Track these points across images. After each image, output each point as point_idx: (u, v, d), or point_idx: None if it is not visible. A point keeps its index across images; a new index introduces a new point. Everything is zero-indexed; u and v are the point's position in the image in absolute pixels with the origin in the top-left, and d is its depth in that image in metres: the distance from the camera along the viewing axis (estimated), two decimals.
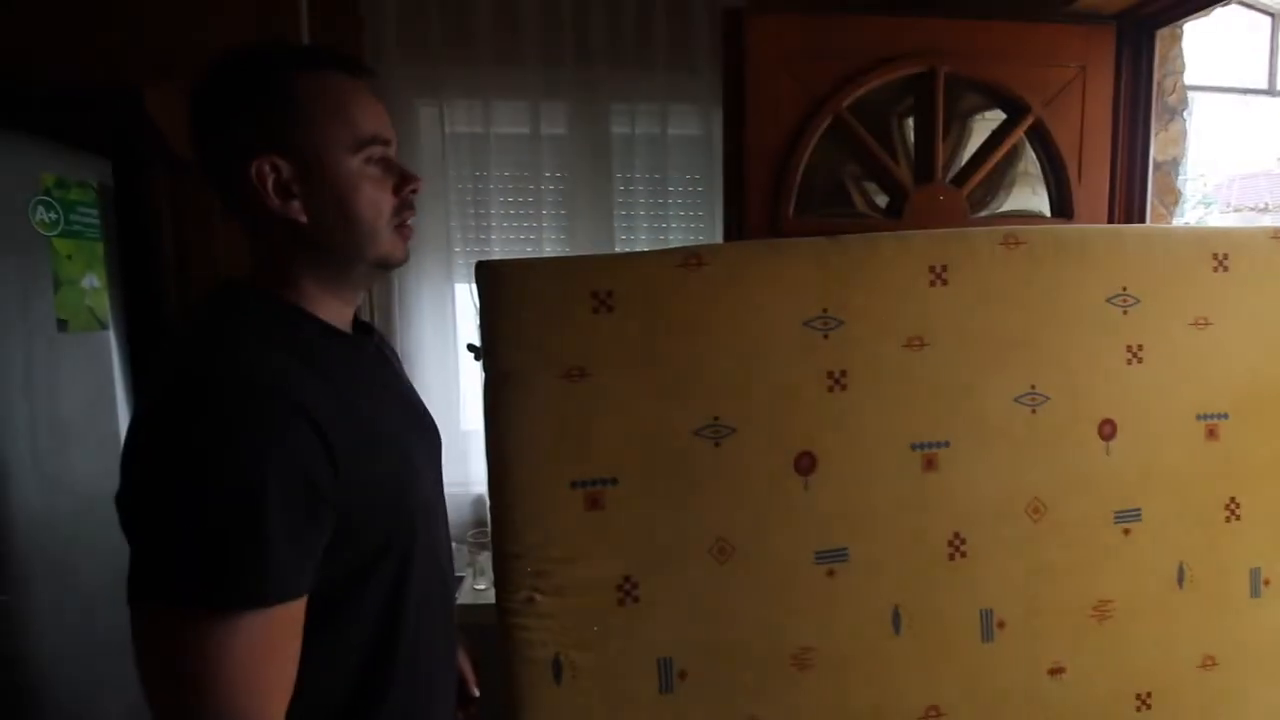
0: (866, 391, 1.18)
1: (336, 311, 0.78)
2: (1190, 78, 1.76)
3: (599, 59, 2.12)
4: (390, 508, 0.74)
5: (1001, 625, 1.23)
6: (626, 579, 1.13)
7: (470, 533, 2.21)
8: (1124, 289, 1.25)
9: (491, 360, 1.11)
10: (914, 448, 1.20)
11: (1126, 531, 1.26)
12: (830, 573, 1.18)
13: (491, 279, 1.11)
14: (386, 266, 0.78)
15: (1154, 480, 1.27)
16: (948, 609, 1.21)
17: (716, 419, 1.15)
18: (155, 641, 0.60)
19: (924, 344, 1.20)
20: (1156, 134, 1.67)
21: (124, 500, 0.64)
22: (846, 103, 1.51)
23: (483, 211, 2.16)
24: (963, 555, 1.21)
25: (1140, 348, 1.26)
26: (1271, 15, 4.80)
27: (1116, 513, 1.26)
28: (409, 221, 0.78)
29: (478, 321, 1.13)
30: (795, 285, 1.17)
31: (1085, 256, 1.24)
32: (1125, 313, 1.25)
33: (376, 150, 0.73)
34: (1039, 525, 1.23)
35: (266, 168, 0.69)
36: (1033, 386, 1.23)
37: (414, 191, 0.77)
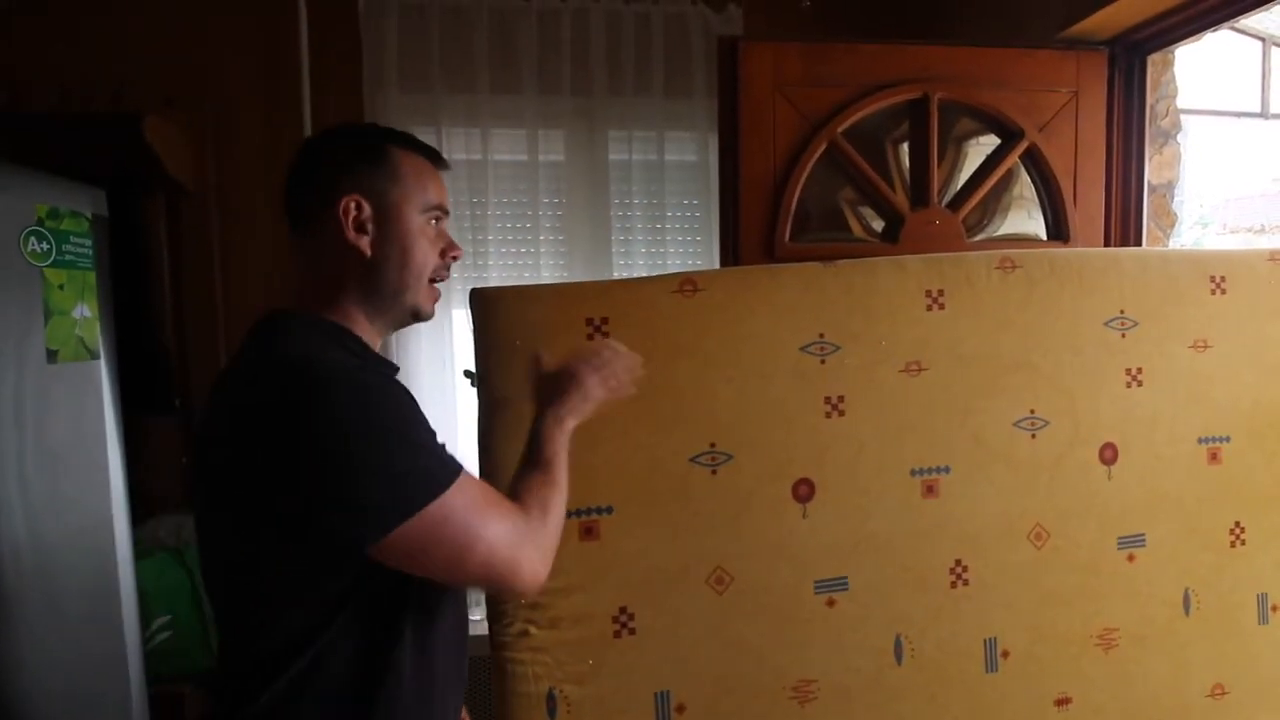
0: (865, 417, 1.17)
1: (371, 340, 0.90)
2: (1183, 102, 1.77)
3: (596, 86, 2.14)
4: None
5: (1006, 655, 1.20)
6: (622, 610, 1.11)
7: None
8: (1122, 312, 1.25)
9: (486, 387, 1.11)
10: (914, 473, 1.18)
11: (1131, 557, 1.24)
12: (830, 602, 1.16)
13: (486, 306, 1.11)
14: (417, 316, 0.91)
15: (1157, 504, 1.25)
16: (951, 638, 1.19)
17: (713, 446, 1.13)
18: (440, 531, 0.77)
19: (922, 368, 1.19)
20: (1151, 158, 1.68)
21: (315, 468, 0.73)
22: (841, 129, 1.52)
23: (481, 238, 2.16)
24: (965, 583, 1.19)
25: (1140, 371, 1.25)
26: (1262, 40, 4.87)
27: (1120, 538, 1.24)
28: (440, 284, 0.93)
29: (474, 348, 1.13)
30: (792, 310, 1.16)
31: (1082, 280, 1.24)
32: (1124, 335, 1.25)
33: (437, 215, 0.91)
34: (1042, 551, 1.21)
35: (353, 205, 0.85)
36: (1032, 411, 1.22)
37: (455, 258, 0.93)
